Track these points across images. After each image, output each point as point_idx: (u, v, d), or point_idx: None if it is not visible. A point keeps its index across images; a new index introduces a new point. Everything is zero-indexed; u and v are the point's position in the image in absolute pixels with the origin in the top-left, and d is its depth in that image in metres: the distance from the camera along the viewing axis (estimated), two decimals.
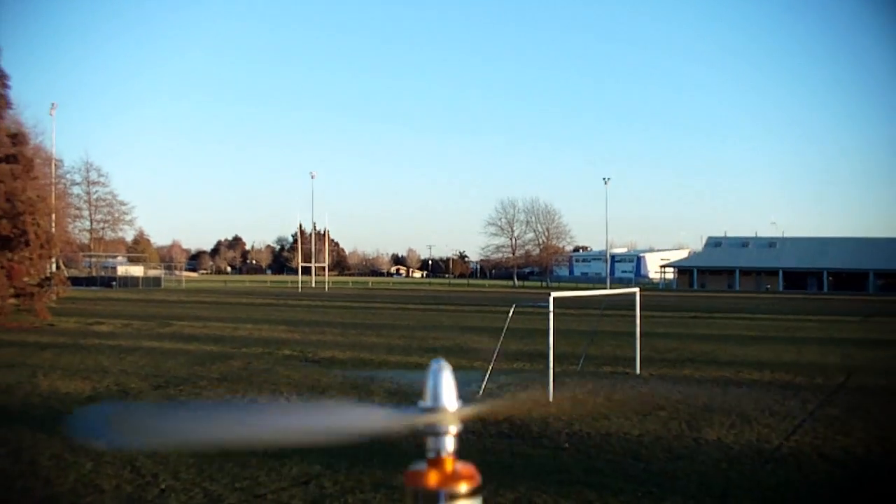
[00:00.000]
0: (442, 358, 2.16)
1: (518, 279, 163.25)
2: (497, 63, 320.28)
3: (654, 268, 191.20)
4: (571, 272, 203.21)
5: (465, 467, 2.05)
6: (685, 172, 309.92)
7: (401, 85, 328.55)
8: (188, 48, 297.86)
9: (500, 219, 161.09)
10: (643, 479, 10.57)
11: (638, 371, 20.78)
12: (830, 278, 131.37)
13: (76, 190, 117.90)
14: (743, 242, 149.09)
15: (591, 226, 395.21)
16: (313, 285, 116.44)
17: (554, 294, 16.40)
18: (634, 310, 22.13)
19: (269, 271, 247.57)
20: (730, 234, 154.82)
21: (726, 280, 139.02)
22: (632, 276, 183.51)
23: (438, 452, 2.04)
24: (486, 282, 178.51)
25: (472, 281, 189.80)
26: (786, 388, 18.74)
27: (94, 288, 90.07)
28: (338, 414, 2.03)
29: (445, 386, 2.08)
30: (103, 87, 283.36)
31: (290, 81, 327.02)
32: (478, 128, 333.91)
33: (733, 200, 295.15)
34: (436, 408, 2.06)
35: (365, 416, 2.02)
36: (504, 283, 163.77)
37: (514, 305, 17.77)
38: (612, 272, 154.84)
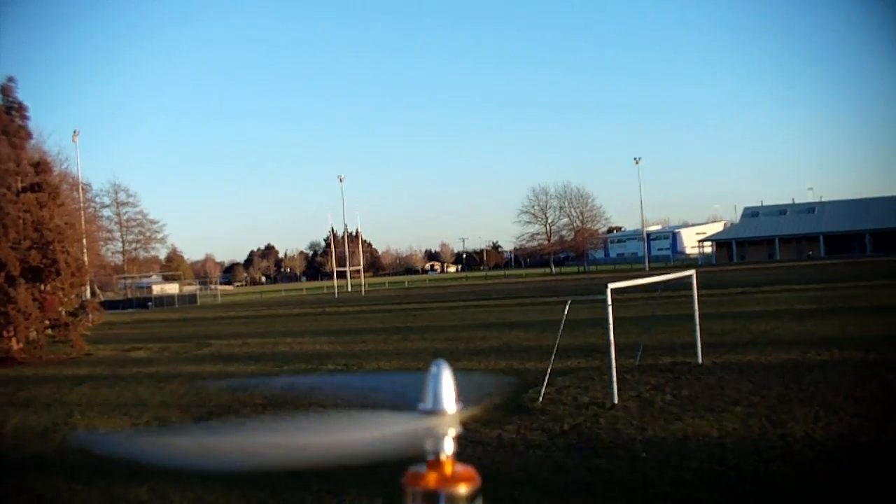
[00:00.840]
0: (443, 360, 2.04)
1: (554, 265, 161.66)
2: (518, 48, 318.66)
3: (691, 243, 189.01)
4: (607, 254, 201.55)
5: (464, 469, 1.99)
6: (714, 144, 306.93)
7: (423, 77, 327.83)
8: (211, 60, 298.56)
9: (532, 206, 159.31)
10: (738, 489, 9.57)
11: (700, 360, 19.72)
12: (873, 240, 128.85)
13: (106, 213, 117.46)
14: (780, 210, 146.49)
15: (622, 205, 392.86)
16: (349, 289, 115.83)
17: (611, 285, 15.29)
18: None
19: (303, 278, 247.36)
20: (766, 203, 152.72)
21: (766, 250, 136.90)
22: (668, 253, 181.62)
23: (438, 454, 1.96)
24: (523, 271, 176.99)
25: (508, 271, 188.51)
26: (861, 367, 17.65)
27: (130, 310, 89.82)
28: (341, 424, 1.95)
29: (445, 388, 2.00)
30: (126, 107, 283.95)
31: (312, 81, 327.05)
32: (501, 115, 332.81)
33: (767, 169, 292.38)
34: (435, 410, 1.98)
35: (367, 423, 1.93)
36: (540, 270, 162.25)
37: (569, 301, 16.65)
38: (649, 250, 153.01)
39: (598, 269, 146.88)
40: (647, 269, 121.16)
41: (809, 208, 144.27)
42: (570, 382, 17.86)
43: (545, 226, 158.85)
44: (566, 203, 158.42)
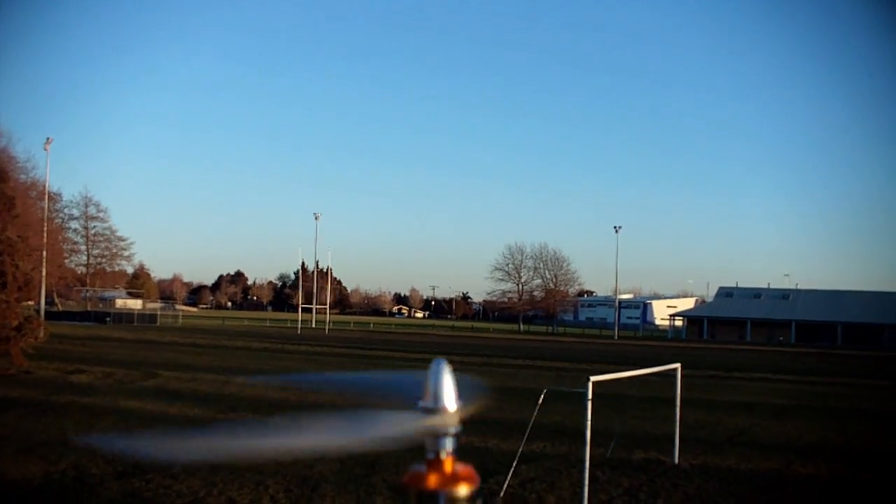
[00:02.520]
0: (443, 358, 2.18)
1: (523, 323, 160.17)
2: (508, 110, 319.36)
3: (661, 315, 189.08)
4: (576, 317, 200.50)
5: (464, 468, 2.08)
6: (693, 220, 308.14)
7: (409, 127, 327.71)
8: (191, 83, 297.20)
9: (507, 264, 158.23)
10: None
11: (676, 460, 18.13)
12: (845, 332, 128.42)
13: (74, 224, 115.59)
14: (755, 293, 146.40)
15: (595, 269, 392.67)
16: (314, 325, 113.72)
17: (593, 378, 13.68)
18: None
19: (269, 308, 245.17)
20: (741, 285, 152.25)
21: (737, 331, 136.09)
22: (638, 322, 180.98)
23: (438, 453, 2.08)
24: (490, 325, 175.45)
25: (475, 324, 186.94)
26: (855, 489, 16.16)
27: (87, 323, 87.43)
28: (342, 423, 2.07)
29: (446, 386, 2.13)
30: (106, 122, 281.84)
31: (297, 121, 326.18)
32: (485, 172, 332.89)
33: (744, 251, 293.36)
34: (436, 408, 2.11)
35: (367, 422, 2.06)
36: (509, 326, 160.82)
37: (544, 391, 14.94)
38: (619, 319, 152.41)
39: (567, 332, 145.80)
40: (616, 337, 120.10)
41: (784, 294, 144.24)
42: (534, 473, 16.15)
43: (518, 284, 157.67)
44: (541, 264, 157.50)
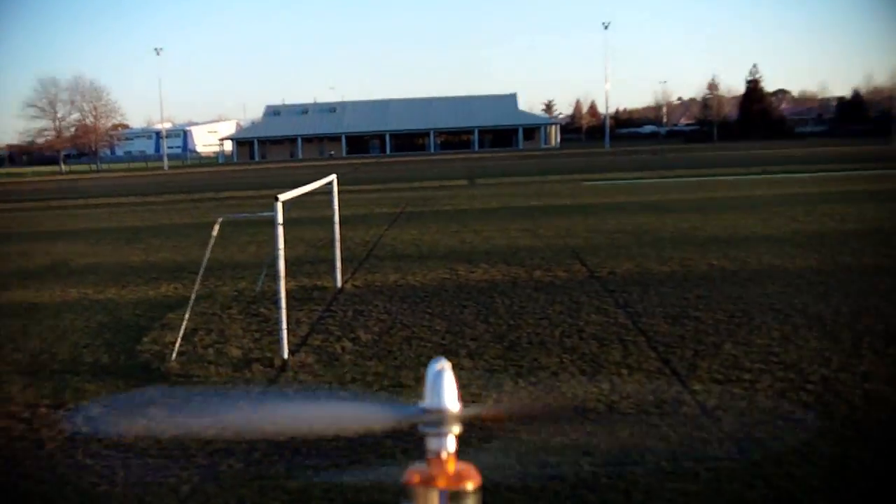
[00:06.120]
0: (442, 357, 2.14)
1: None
2: None
3: (202, 141, 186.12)
4: (113, 152, 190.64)
5: (466, 467, 2.08)
6: (221, 39, 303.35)
7: None
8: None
9: (40, 99, 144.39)
10: None
11: (339, 283, 15.88)
12: (393, 140, 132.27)
13: None
14: (303, 109, 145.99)
15: (124, 100, 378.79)
16: None
17: (282, 196, 10.77)
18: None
19: None
20: (287, 102, 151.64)
21: (289, 149, 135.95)
22: (180, 151, 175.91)
23: (439, 452, 2.08)
24: (27, 169, 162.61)
25: (10, 170, 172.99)
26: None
27: None
28: (340, 411, 2.18)
29: (447, 386, 2.09)
30: None
31: None
32: None
33: (280, 70, 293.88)
34: (437, 408, 2.08)
35: (366, 415, 2.13)
36: (47, 168, 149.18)
37: (219, 219, 11.71)
38: (159, 149, 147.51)
39: (113, 168, 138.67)
40: (166, 167, 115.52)
41: (331, 108, 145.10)
42: (192, 324, 12.69)
43: (55, 121, 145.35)
44: (78, 96, 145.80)
